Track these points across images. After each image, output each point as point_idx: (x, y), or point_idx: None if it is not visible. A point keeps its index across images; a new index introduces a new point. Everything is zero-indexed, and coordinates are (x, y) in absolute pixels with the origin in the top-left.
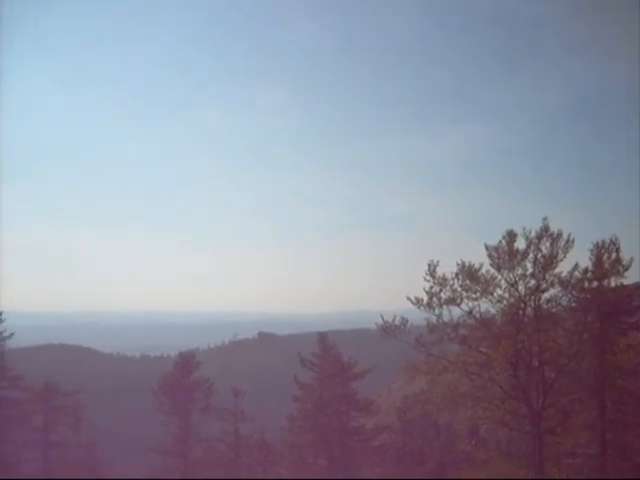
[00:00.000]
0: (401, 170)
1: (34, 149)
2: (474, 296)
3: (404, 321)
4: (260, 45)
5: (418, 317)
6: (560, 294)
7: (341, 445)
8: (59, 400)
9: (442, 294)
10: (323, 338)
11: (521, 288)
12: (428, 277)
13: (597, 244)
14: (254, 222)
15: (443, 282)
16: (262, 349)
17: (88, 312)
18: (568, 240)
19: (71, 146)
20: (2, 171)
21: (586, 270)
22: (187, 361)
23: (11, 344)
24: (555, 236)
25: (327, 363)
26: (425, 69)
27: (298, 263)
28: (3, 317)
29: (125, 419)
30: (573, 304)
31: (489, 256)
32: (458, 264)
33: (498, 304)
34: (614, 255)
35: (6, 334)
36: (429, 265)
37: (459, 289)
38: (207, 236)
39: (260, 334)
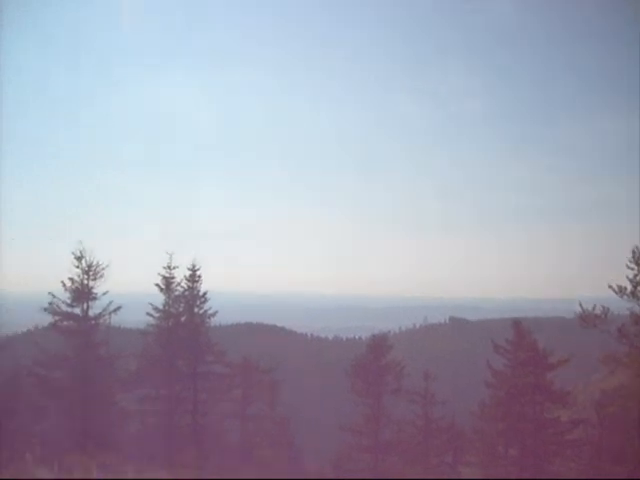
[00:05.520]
0: (591, 154)
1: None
2: None
3: (605, 310)
4: (450, 28)
5: (620, 306)
6: None
7: (534, 436)
8: (257, 376)
9: None
10: (517, 325)
11: None
12: (632, 264)
13: None
14: (444, 207)
15: None
16: (453, 334)
17: (288, 293)
18: None
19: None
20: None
21: None
22: (379, 344)
23: (215, 322)
24: None
25: (521, 351)
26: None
27: (489, 248)
28: (208, 296)
29: (316, 398)
30: None
31: None
32: None
33: None
34: None
35: (211, 312)
36: (634, 252)
37: None
38: (393, 221)
39: (452, 318)
